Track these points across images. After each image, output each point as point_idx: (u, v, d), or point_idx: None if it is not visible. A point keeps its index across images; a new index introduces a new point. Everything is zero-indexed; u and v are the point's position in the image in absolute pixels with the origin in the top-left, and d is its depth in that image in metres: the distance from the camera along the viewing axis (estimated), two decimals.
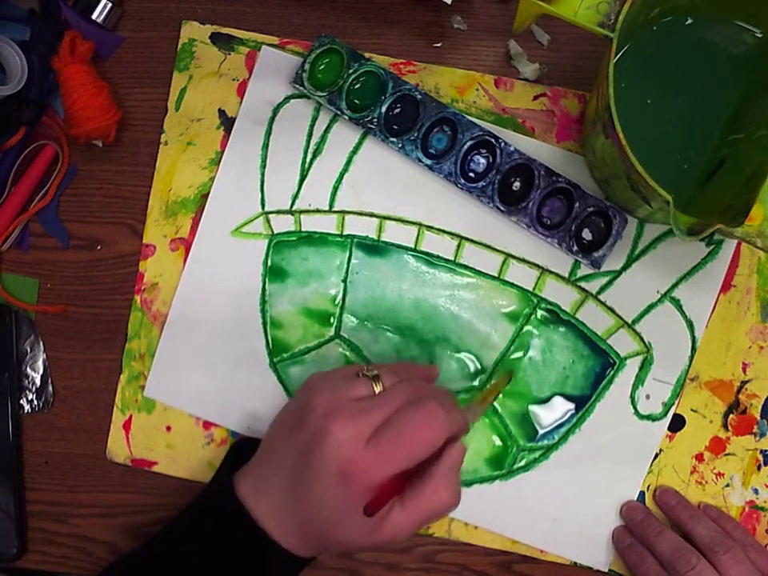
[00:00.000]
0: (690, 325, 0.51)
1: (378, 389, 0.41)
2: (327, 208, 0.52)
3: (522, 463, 0.51)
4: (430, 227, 0.52)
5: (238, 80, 0.53)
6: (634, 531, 0.50)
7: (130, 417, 0.53)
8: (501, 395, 0.51)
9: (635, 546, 0.49)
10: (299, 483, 0.40)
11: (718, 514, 0.50)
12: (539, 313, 0.51)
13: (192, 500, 0.45)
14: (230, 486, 0.42)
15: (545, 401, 0.51)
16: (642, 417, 0.51)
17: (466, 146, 0.50)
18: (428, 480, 0.39)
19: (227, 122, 0.53)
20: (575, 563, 0.52)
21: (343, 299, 0.52)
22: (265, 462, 0.43)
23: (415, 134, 0.51)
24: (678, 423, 0.51)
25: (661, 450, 0.51)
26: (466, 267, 0.52)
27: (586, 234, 0.51)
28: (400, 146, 0.51)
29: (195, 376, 0.52)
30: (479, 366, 0.51)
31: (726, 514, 0.51)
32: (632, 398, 0.51)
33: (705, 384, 0.51)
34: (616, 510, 0.51)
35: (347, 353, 0.52)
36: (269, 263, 0.52)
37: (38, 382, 0.53)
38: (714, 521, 0.49)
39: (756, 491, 0.51)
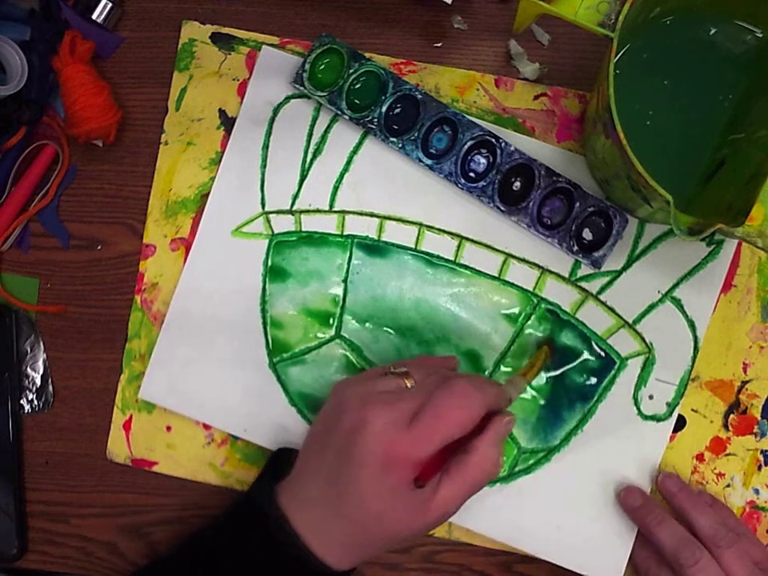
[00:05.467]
0: (692, 325, 0.51)
1: (409, 384, 0.42)
2: (327, 208, 0.52)
3: (523, 466, 0.51)
4: (430, 227, 0.52)
5: (238, 80, 0.53)
6: (632, 518, 0.49)
7: (130, 417, 0.53)
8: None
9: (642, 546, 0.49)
10: (341, 482, 0.40)
11: (712, 501, 0.50)
12: (539, 313, 0.51)
13: (228, 506, 0.45)
14: (272, 495, 0.42)
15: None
16: (645, 417, 0.51)
17: (466, 146, 0.50)
18: (472, 452, 0.40)
19: (227, 122, 0.53)
20: None
21: (344, 299, 0.52)
22: (304, 471, 0.43)
23: (415, 134, 0.51)
24: (678, 423, 0.51)
25: None
26: (466, 267, 0.52)
27: (587, 234, 0.51)
28: (400, 145, 0.51)
29: (193, 377, 0.52)
30: (479, 367, 0.51)
31: (721, 502, 0.50)
32: (635, 398, 0.51)
33: (705, 384, 0.51)
34: (623, 516, 0.50)
35: (347, 353, 0.52)
36: (269, 263, 0.52)
37: (38, 381, 0.53)
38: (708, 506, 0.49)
39: (757, 491, 0.51)
